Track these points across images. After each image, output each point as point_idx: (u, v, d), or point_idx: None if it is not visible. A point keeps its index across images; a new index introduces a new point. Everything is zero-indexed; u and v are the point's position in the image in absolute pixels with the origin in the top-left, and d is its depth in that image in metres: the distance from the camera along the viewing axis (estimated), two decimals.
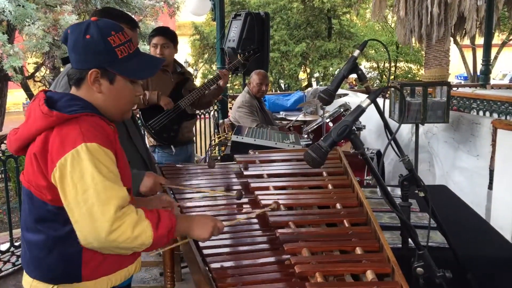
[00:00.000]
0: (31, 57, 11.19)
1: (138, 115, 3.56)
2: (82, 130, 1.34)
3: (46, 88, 1.69)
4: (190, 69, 18.28)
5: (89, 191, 1.30)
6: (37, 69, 12.40)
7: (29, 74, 12.42)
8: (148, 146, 3.55)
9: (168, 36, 3.45)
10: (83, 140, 1.33)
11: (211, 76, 3.72)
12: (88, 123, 1.37)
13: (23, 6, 9.11)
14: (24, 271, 1.52)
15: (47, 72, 12.15)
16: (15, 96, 19.76)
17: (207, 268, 1.60)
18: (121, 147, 1.49)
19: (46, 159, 1.35)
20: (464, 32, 6.52)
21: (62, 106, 1.39)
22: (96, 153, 1.33)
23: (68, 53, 1.47)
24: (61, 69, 11.52)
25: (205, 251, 1.70)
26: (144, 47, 9.36)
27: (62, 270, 1.42)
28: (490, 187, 3.86)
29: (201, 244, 1.75)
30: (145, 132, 3.59)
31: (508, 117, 5.64)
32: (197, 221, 1.55)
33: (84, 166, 1.31)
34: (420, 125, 4.11)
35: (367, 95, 1.56)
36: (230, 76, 4.57)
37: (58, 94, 1.47)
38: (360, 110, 1.50)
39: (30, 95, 12.50)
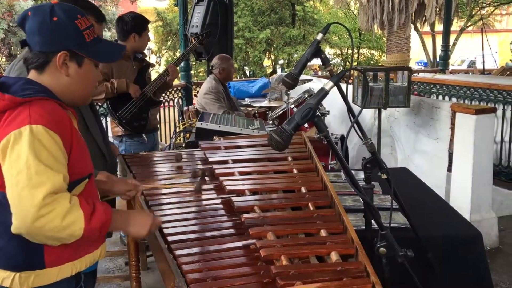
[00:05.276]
0: None
1: (100, 105, 3.47)
2: (30, 113, 1.31)
3: (1, 74, 1.64)
4: (153, 57, 17.98)
5: (22, 173, 1.27)
6: None
7: None
8: (114, 136, 3.48)
9: None
10: (29, 122, 1.30)
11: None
12: (40, 106, 1.34)
13: None
14: None
15: (3, 59, 11.69)
16: None
17: (172, 255, 1.58)
18: (79, 132, 1.46)
19: None
20: (424, 18, 6.66)
21: (16, 90, 1.36)
22: (39, 136, 1.29)
23: (28, 36, 1.43)
24: (18, 55, 11.11)
25: (170, 238, 1.69)
26: (104, 33, 9.10)
27: (23, 257, 1.38)
28: (449, 169, 3.98)
29: (166, 231, 1.73)
30: (110, 122, 3.49)
31: (466, 101, 5.80)
32: (134, 218, 1.54)
33: (22, 147, 1.28)
34: (382, 109, 4.19)
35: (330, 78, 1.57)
36: (194, 63, 4.52)
37: (12, 79, 1.44)
38: (324, 93, 1.50)
39: None
